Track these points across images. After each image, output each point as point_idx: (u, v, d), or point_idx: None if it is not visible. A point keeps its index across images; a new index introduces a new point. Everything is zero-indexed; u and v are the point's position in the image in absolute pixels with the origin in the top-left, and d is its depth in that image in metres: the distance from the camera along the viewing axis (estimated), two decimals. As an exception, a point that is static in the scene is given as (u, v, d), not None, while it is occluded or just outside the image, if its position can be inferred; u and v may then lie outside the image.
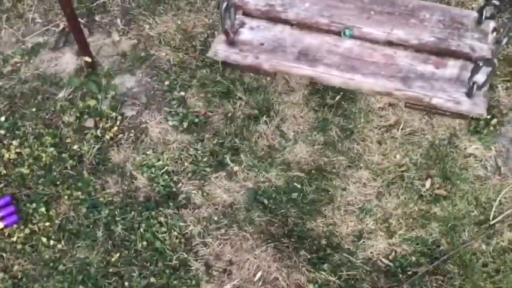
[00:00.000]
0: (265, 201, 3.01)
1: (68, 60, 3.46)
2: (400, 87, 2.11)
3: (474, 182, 3.05)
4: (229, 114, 3.24)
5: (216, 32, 3.53)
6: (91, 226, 2.95)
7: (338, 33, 2.25)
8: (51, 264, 2.85)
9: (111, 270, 2.84)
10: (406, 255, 2.88)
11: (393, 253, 2.90)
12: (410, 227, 2.95)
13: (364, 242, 2.92)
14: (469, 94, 2.07)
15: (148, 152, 3.13)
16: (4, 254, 2.87)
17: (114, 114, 3.23)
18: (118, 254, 2.87)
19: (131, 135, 3.20)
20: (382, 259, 2.89)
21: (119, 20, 3.59)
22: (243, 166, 3.10)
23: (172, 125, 3.22)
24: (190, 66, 3.41)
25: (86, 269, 2.83)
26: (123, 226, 2.94)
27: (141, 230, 2.93)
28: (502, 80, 3.33)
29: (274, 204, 3.01)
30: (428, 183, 3.06)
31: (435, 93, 2.09)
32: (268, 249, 2.91)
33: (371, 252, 2.90)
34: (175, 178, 3.07)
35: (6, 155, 3.08)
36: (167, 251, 2.88)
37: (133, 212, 2.97)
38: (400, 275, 2.84)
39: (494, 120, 3.19)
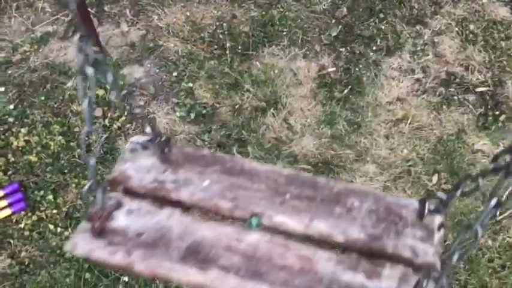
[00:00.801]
0: (272, 193, 3.01)
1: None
2: None
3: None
4: (237, 106, 3.24)
5: (224, 25, 3.53)
6: (98, 214, 2.96)
7: (243, 222, 1.70)
8: (58, 251, 2.87)
9: (117, 258, 2.85)
10: (411, 249, 2.88)
11: (399, 247, 2.89)
12: (416, 222, 2.95)
13: (369, 235, 2.92)
14: None
15: (155, 142, 3.14)
16: (12, 241, 2.89)
17: (122, 103, 3.23)
18: (124, 243, 2.88)
19: (139, 125, 3.20)
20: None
21: (128, 11, 3.59)
22: (249, 158, 3.10)
23: (180, 115, 3.23)
24: (198, 57, 3.42)
25: (92, 257, 2.85)
26: (129, 215, 2.95)
27: (148, 219, 2.93)
28: (511, 76, 3.31)
29: (281, 196, 3.01)
30: (435, 178, 3.05)
31: None
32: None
33: None
34: (182, 168, 3.08)
35: (15, 143, 3.10)
36: (173, 241, 2.89)
37: (140, 202, 2.98)
38: (405, 269, 2.84)
39: (503, 116, 3.18)
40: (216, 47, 3.47)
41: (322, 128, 3.18)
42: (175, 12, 3.56)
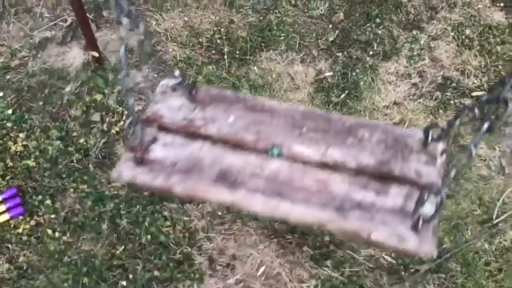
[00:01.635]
0: (269, 197, 3.02)
1: (75, 55, 3.49)
2: (334, 218, 1.75)
3: (478, 181, 3.06)
4: (235, 111, 3.26)
5: (222, 30, 3.55)
6: (96, 219, 2.97)
7: (265, 152, 1.90)
8: (56, 256, 2.87)
9: (115, 262, 2.86)
10: (408, 253, 2.89)
11: (396, 251, 2.91)
12: (413, 225, 2.96)
13: (367, 239, 2.93)
14: (415, 228, 1.72)
15: (153, 147, 3.15)
16: (10, 245, 2.89)
17: (120, 108, 3.25)
18: (122, 247, 2.89)
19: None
20: (385, 256, 2.90)
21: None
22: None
23: (178, 120, 3.24)
24: (196, 62, 3.43)
25: (91, 261, 2.85)
26: (128, 220, 2.96)
27: (146, 223, 2.94)
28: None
29: (278, 200, 3.02)
30: (432, 182, 3.07)
31: (375, 227, 1.73)
32: (271, 244, 2.92)
33: (374, 250, 2.91)
34: (180, 173, 3.09)
35: (13, 148, 3.11)
36: (171, 245, 2.90)
37: (138, 206, 2.99)
38: (403, 273, 2.85)
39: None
40: (214, 51, 3.49)
41: (319, 132, 3.19)
42: (173, 17, 3.58)
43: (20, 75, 3.40)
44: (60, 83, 3.37)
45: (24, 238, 2.91)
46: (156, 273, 2.84)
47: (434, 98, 3.34)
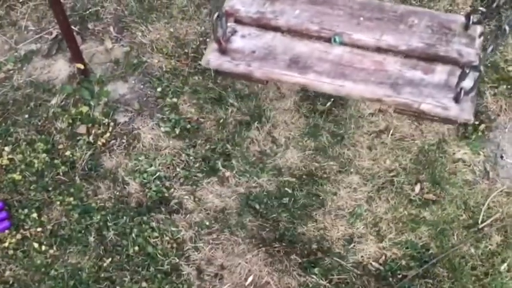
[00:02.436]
0: (257, 206, 3.03)
1: (60, 67, 3.48)
2: (389, 93, 2.12)
3: (463, 186, 3.09)
4: (221, 121, 3.27)
5: (208, 40, 3.57)
6: (83, 231, 2.95)
7: (328, 40, 2.25)
8: (43, 269, 2.85)
9: (102, 275, 2.85)
10: (396, 258, 2.91)
11: (383, 257, 2.92)
12: (400, 231, 2.98)
13: (354, 246, 2.95)
14: (457, 100, 2.08)
15: (140, 158, 3.15)
16: (-5, 260, 2.88)
17: (106, 120, 3.25)
18: (110, 259, 2.88)
19: (123, 141, 3.22)
20: (373, 263, 2.92)
21: (111, 28, 3.62)
22: (234, 172, 3.13)
23: (165, 131, 3.24)
24: (182, 73, 3.45)
25: (78, 274, 2.84)
26: (115, 231, 2.95)
27: (133, 235, 2.94)
28: (489, 87, 3.38)
29: (266, 209, 3.03)
30: (417, 188, 3.09)
31: (424, 99, 2.10)
32: (259, 253, 2.92)
33: (361, 256, 2.93)
34: (167, 183, 3.09)
35: (-1, 161, 3.10)
36: (159, 256, 2.89)
37: (125, 217, 2.99)
38: (390, 279, 2.87)
39: (482, 126, 3.24)
40: (199, 62, 3.50)
41: (306, 141, 3.21)
42: (159, 28, 3.59)
43: (5, 88, 3.39)
44: (46, 96, 3.36)
45: (11, 252, 2.89)
46: (144, 284, 2.83)
47: (418, 104, 3.38)
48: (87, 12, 3.65)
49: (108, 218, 2.98)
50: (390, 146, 3.20)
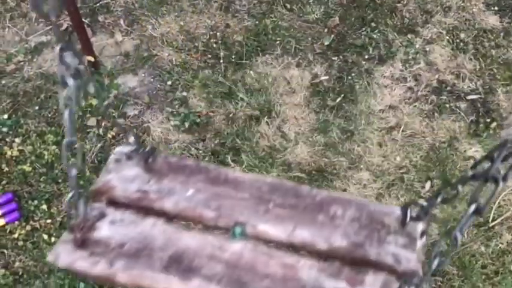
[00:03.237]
0: (266, 201, 3.02)
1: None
2: None
3: (473, 184, 3.06)
4: (231, 115, 3.26)
5: (218, 34, 3.56)
6: (92, 224, 2.95)
7: (227, 231, 1.69)
8: (52, 261, 2.86)
9: (111, 267, 2.85)
10: (405, 256, 2.90)
11: (393, 254, 2.91)
12: (409, 228, 2.96)
13: (363, 242, 2.93)
14: None
15: (150, 151, 3.15)
16: (5, 251, 2.88)
17: (116, 113, 3.25)
18: (119, 252, 2.88)
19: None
20: (382, 260, 2.90)
21: (122, 21, 3.62)
22: (244, 166, 3.12)
23: (174, 124, 3.24)
24: (192, 66, 3.44)
25: (87, 267, 2.84)
26: (124, 224, 2.95)
27: (142, 228, 2.93)
28: (501, 84, 3.36)
29: (275, 204, 3.02)
30: (428, 185, 3.07)
31: None
32: (268, 248, 2.91)
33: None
34: (176, 177, 3.09)
35: (9, 153, 3.10)
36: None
37: (134, 211, 2.99)
38: (400, 276, 2.85)
39: (494, 124, 3.22)
40: (210, 56, 3.49)
41: (315, 136, 3.20)
42: (169, 22, 3.58)
43: (16, 80, 3.39)
44: (56, 88, 3.36)
45: (20, 243, 2.89)
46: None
47: (429, 101, 3.36)
48: (98, 4, 3.65)
49: (117, 210, 2.98)
50: (401, 143, 3.18)
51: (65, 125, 1.39)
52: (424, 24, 3.67)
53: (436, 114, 3.31)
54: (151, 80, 3.42)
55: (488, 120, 3.21)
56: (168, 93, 3.36)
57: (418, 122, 3.25)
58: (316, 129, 3.22)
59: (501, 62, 3.47)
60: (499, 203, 3.02)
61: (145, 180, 1.75)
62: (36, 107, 3.28)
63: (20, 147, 3.13)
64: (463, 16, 3.69)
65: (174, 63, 3.45)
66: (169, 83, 3.38)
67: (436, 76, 3.46)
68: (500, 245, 2.92)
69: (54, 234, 2.92)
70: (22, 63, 3.46)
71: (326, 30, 3.63)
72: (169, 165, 1.79)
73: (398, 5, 3.74)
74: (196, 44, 3.51)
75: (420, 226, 1.66)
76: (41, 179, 3.06)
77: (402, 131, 3.22)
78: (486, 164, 1.24)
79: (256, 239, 1.66)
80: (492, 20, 3.69)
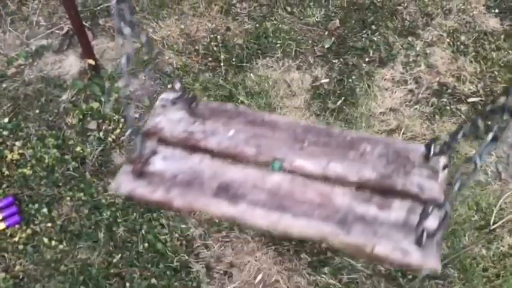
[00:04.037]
0: (267, 204, 3.02)
1: (71, 63, 3.49)
2: (337, 231, 1.72)
3: (475, 187, 3.07)
4: (232, 118, 3.26)
5: (218, 37, 3.56)
6: (93, 227, 2.95)
7: (266, 166, 1.86)
8: (53, 264, 2.85)
9: (112, 271, 2.84)
10: (406, 259, 2.89)
11: (394, 257, 2.90)
12: (410, 231, 2.96)
13: (364, 245, 2.93)
14: (419, 243, 1.68)
15: (150, 155, 3.15)
16: (6, 254, 2.87)
17: (117, 116, 3.25)
18: (119, 255, 2.88)
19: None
20: (383, 263, 2.90)
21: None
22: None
23: (175, 127, 3.23)
24: (193, 69, 3.44)
25: (88, 270, 2.84)
26: (124, 228, 2.95)
27: (143, 231, 2.93)
28: (502, 86, 3.35)
29: (276, 207, 3.02)
30: (429, 188, 3.07)
31: (378, 241, 1.69)
32: (269, 251, 2.91)
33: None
34: (177, 180, 3.08)
35: (9, 156, 3.10)
36: (168, 253, 2.89)
37: (135, 214, 2.98)
38: (401, 279, 2.84)
39: (495, 126, 3.21)
40: (210, 59, 3.49)
41: (316, 139, 3.20)
42: (169, 25, 3.58)
43: (16, 83, 3.39)
44: (57, 91, 3.37)
45: (21, 247, 2.89)
46: (153, 281, 2.82)
47: (430, 104, 3.36)
48: (98, 8, 3.65)
49: (118, 214, 2.98)
50: (401, 146, 3.17)
51: (122, 69, 1.64)
52: (425, 26, 3.67)
53: (436, 116, 3.31)
54: (152, 83, 3.42)
55: (489, 122, 3.19)
56: (168, 96, 3.36)
57: (418, 125, 3.25)
58: (316, 132, 3.22)
59: (502, 65, 3.47)
60: (500, 205, 3.01)
61: (190, 122, 1.95)
62: (37, 111, 3.28)
63: (21, 151, 3.13)
64: (464, 19, 3.69)
65: (174, 66, 3.45)
66: (169, 86, 3.38)
67: (437, 79, 3.46)
68: (501, 248, 2.92)
69: (54, 237, 2.91)
70: (23, 66, 3.46)
71: (326, 33, 3.63)
72: (210, 109, 1.99)
73: (399, 7, 3.74)
74: (196, 47, 3.51)
75: (443, 160, 1.85)
76: (42, 183, 3.06)
77: (403, 133, 3.21)
78: (502, 99, 1.40)
79: (293, 172, 1.83)
80: (493, 23, 3.69)
